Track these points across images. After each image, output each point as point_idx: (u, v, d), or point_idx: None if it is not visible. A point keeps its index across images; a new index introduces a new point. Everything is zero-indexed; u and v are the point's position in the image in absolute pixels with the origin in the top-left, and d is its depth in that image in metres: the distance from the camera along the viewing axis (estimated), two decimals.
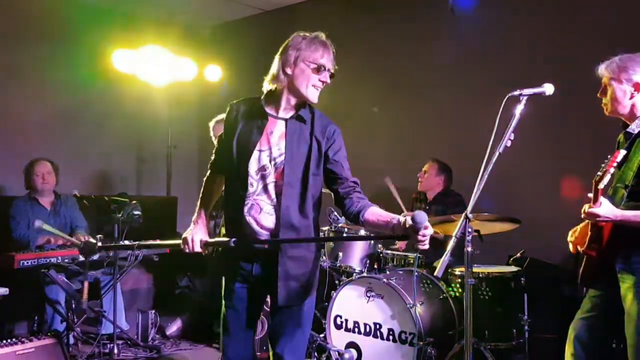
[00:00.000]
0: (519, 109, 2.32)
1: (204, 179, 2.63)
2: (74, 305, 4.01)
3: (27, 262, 3.80)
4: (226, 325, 2.49)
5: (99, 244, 3.00)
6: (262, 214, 2.38)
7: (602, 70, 2.60)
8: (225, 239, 2.40)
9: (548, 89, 2.38)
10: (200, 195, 2.61)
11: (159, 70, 5.54)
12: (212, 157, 2.60)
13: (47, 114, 5.44)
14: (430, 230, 2.07)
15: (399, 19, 5.23)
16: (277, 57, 2.42)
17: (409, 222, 2.08)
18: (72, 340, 4.03)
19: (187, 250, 2.45)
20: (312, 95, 2.38)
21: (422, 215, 2.05)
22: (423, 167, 4.51)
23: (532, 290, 3.74)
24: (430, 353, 3.48)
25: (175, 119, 6.40)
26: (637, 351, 2.44)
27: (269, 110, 2.44)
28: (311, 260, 2.45)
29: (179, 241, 2.50)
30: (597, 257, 2.53)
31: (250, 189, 2.38)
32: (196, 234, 2.46)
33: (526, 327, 3.65)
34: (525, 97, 2.34)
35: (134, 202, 4.19)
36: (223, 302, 2.51)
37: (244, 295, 2.46)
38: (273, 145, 2.39)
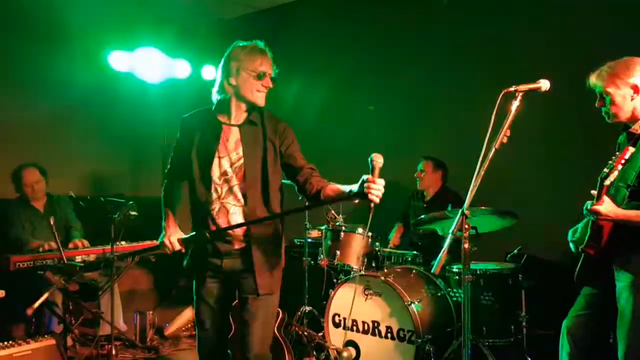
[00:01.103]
0: (514, 104, 2.32)
1: (162, 188, 2.76)
2: (71, 307, 3.99)
3: (23, 264, 3.79)
4: (199, 320, 2.62)
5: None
6: (230, 216, 2.53)
7: (594, 80, 2.59)
8: (199, 232, 2.52)
9: (544, 84, 2.37)
10: (162, 202, 2.74)
11: (154, 69, 5.52)
12: (168, 167, 2.74)
13: (42, 114, 5.40)
14: (382, 181, 2.17)
15: (393, 16, 5.21)
16: (219, 69, 2.56)
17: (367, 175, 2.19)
18: (69, 342, 4.01)
19: (169, 253, 2.61)
20: (259, 99, 2.54)
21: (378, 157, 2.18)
22: (418, 167, 4.54)
23: (530, 287, 3.74)
24: (428, 350, 3.48)
25: (171, 119, 6.36)
26: (629, 353, 2.43)
27: (221, 119, 2.58)
28: (278, 253, 2.62)
29: (156, 243, 2.66)
30: (595, 255, 2.52)
31: (216, 194, 2.53)
32: (171, 235, 2.62)
33: (524, 324, 3.66)
34: (521, 93, 2.33)
35: (130, 202, 4.19)
36: (194, 298, 2.62)
37: (215, 290, 2.59)
38: (231, 151, 2.54)
